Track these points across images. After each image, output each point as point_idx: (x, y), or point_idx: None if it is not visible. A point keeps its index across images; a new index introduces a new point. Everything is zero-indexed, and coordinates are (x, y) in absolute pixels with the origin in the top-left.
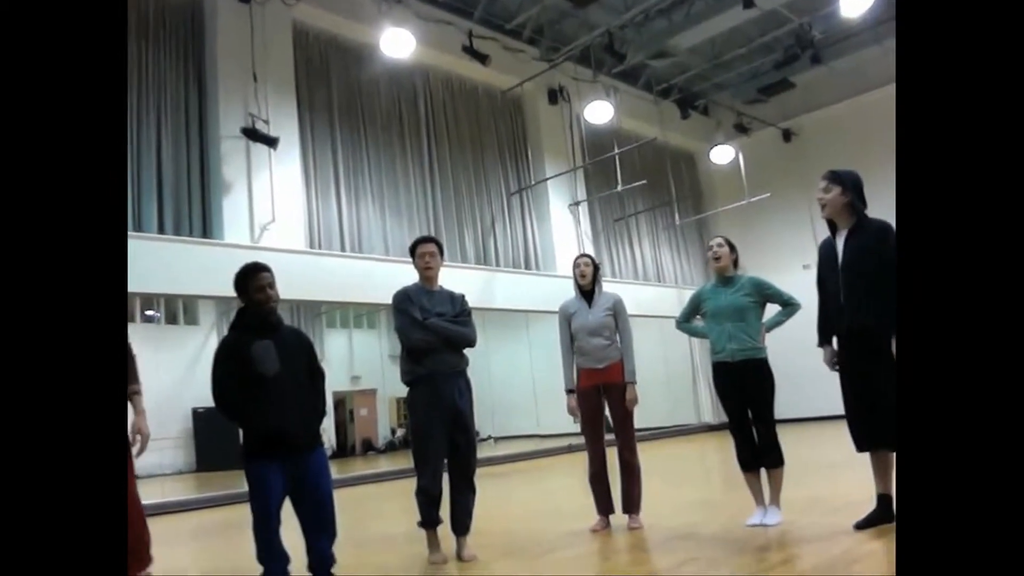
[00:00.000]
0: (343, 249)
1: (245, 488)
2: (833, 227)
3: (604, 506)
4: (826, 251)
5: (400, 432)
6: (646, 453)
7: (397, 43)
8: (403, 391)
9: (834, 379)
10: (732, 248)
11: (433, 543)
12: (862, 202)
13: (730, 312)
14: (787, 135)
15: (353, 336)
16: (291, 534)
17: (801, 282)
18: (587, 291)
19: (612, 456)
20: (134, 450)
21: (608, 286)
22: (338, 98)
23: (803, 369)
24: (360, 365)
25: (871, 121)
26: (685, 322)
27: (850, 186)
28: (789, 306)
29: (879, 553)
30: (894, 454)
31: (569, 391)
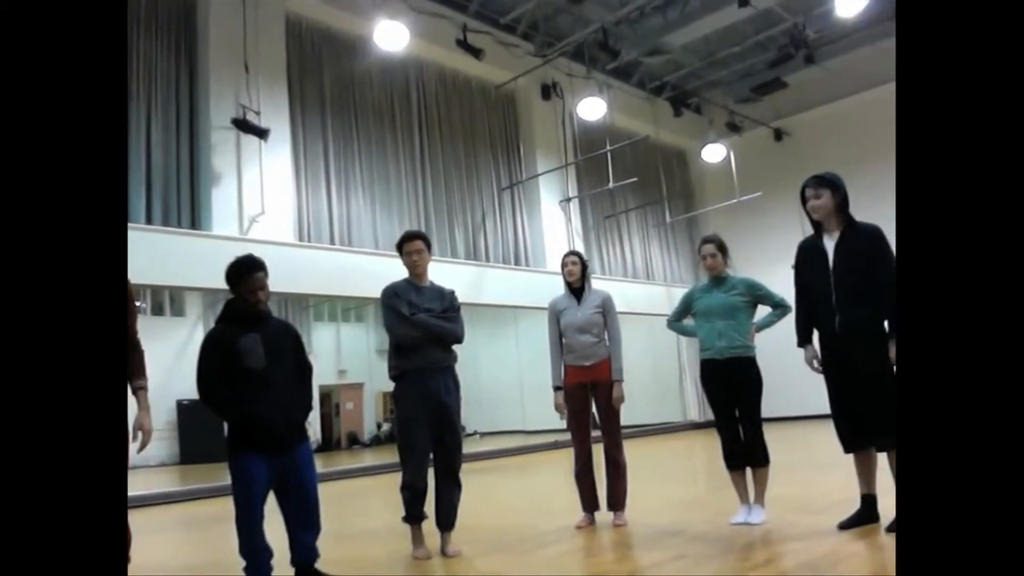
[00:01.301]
0: (332, 242)
1: (229, 481)
2: (819, 228)
3: (589, 503)
4: (810, 252)
5: (386, 427)
6: (632, 450)
7: (391, 36)
8: (390, 385)
9: (820, 379)
10: (724, 251)
11: (417, 538)
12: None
13: (721, 310)
14: (779, 135)
15: (341, 330)
16: (275, 528)
17: (788, 281)
18: (577, 288)
19: (598, 453)
20: (134, 446)
21: (597, 283)
22: (330, 90)
23: (790, 369)
24: (347, 359)
25: (863, 122)
26: (676, 321)
27: (840, 190)
28: (780, 308)
29: (862, 554)
30: (878, 455)
31: (557, 388)
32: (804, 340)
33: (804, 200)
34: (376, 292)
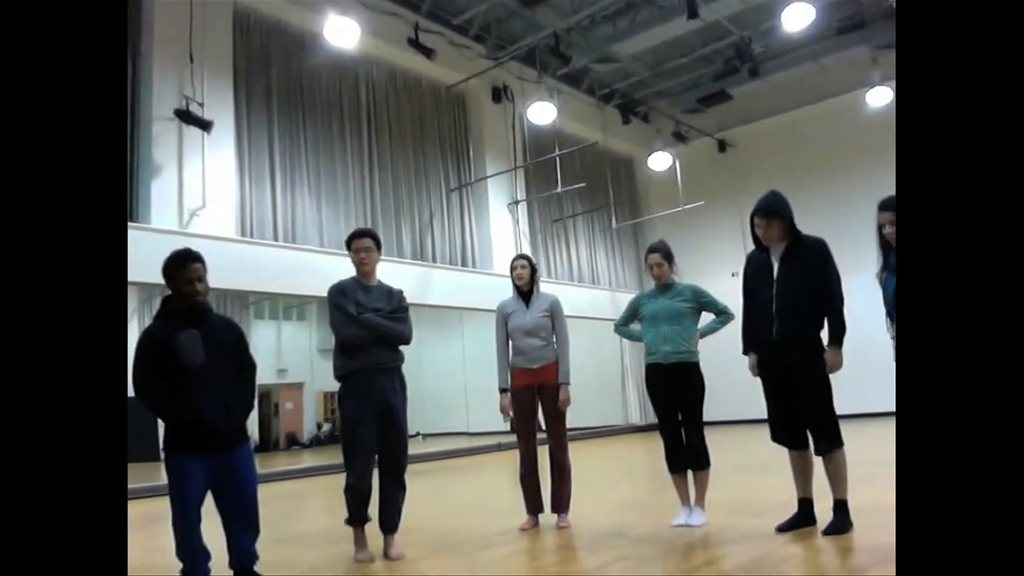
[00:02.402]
0: (276, 239)
1: (165, 481)
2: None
3: (534, 505)
4: (757, 264)
5: (326, 427)
6: (575, 453)
7: (341, 32)
8: (331, 385)
9: (759, 384)
10: (670, 259)
11: (360, 541)
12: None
13: (667, 316)
14: (722, 145)
15: (282, 328)
16: (212, 530)
17: (729, 289)
18: (525, 292)
19: (543, 455)
20: None
21: (544, 287)
22: (277, 84)
23: (730, 374)
24: (288, 358)
25: (804, 136)
26: (624, 326)
27: (786, 216)
28: (724, 315)
29: (800, 555)
30: (814, 459)
31: (503, 390)
32: (749, 347)
33: (753, 226)
34: (320, 290)
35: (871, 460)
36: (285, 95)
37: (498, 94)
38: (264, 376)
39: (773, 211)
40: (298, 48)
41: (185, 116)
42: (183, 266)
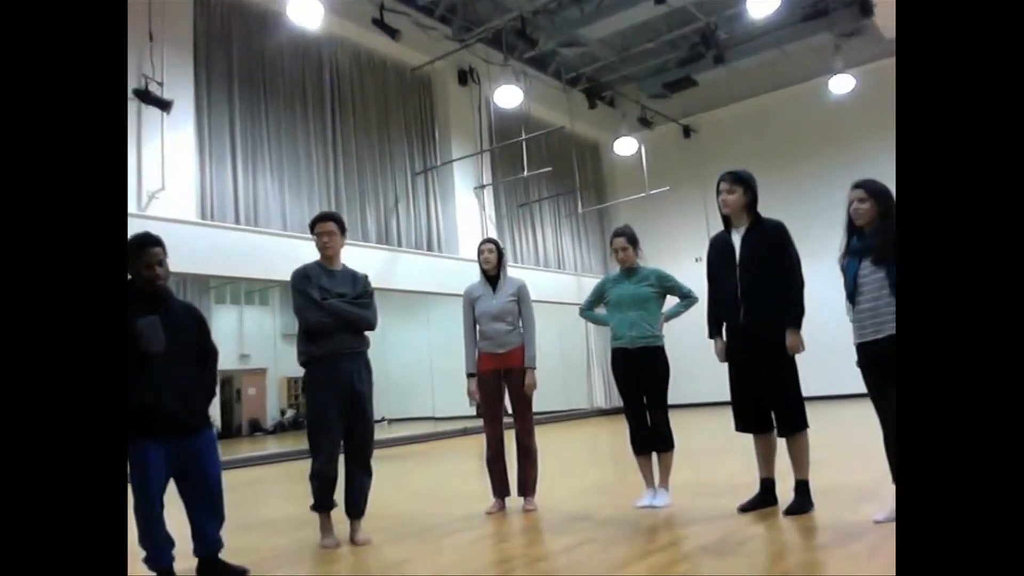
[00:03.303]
0: (237, 222)
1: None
2: (728, 224)
3: (500, 489)
4: (720, 247)
5: (290, 413)
6: (541, 437)
7: (305, 11)
8: (295, 371)
9: (721, 367)
10: (635, 243)
11: (326, 527)
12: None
13: (632, 301)
14: (687, 131)
15: (244, 313)
16: (176, 517)
17: (694, 273)
18: (492, 276)
19: (509, 439)
20: None
21: (509, 271)
22: (239, 64)
23: (693, 357)
24: (250, 343)
25: (767, 123)
26: (589, 310)
27: (751, 189)
28: (687, 299)
29: (762, 535)
30: (777, 441)
31: (470, 375)
32: (714, 332)
33: (718, 192)
34: (283, 274)
35: (831, 441)
36: (247, 75)
37: (464, 77)
38: (226, 361)
39: (740, 178)
40: (260, 27)
41: (144, 95)
42: (142, 250)
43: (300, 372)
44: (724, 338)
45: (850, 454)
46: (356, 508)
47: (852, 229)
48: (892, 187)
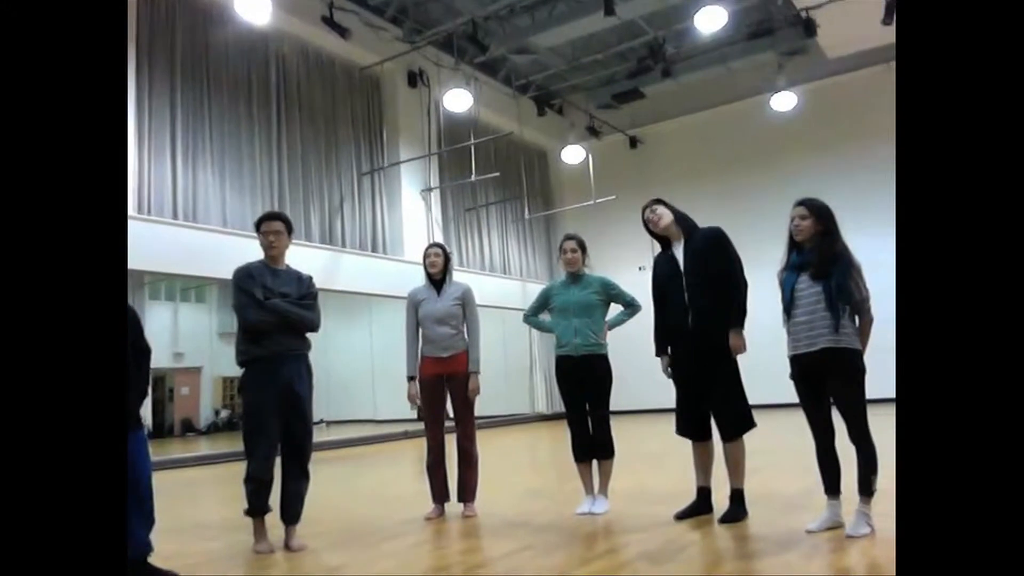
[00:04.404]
0: (175, 217)
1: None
2: (665, 242)
3: (440, 494)
4: (664, 263)
5: (225, 414)
6: (482, 442)
7: (252, 6)
8: (231, 370)
9: (659, 375)
10: (584, 249)
11: (260, 532)
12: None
13: (578, 308)
14: (633, 142)
15: (179, 310)
16: None
17: (636, 282)
18: (437, 280)
19: (450, 444)
20: None
21: (455, 275)
22: (182, 57)
23: (633, 365)
24: (184, 341)
25: (711, 136)
26: (533, 316)
27: (672, 208)
28: (631, 307)
29: (699, 543)
30: (715, 450)
31: (411, 378)
32: (661, 350)
33: (645, 223)
34: (222, 272)
35: (765, 449)
36: (190, 68)
37: (414, 79)
38: (159, 360)
39: (659, 201)
40: (206, 19)
41: None
42: None
43: (236, 372)
44: (670, 356)
45: (784, 462)
46: (292, 513)
47: (792, 244)
48: (832, 205)
